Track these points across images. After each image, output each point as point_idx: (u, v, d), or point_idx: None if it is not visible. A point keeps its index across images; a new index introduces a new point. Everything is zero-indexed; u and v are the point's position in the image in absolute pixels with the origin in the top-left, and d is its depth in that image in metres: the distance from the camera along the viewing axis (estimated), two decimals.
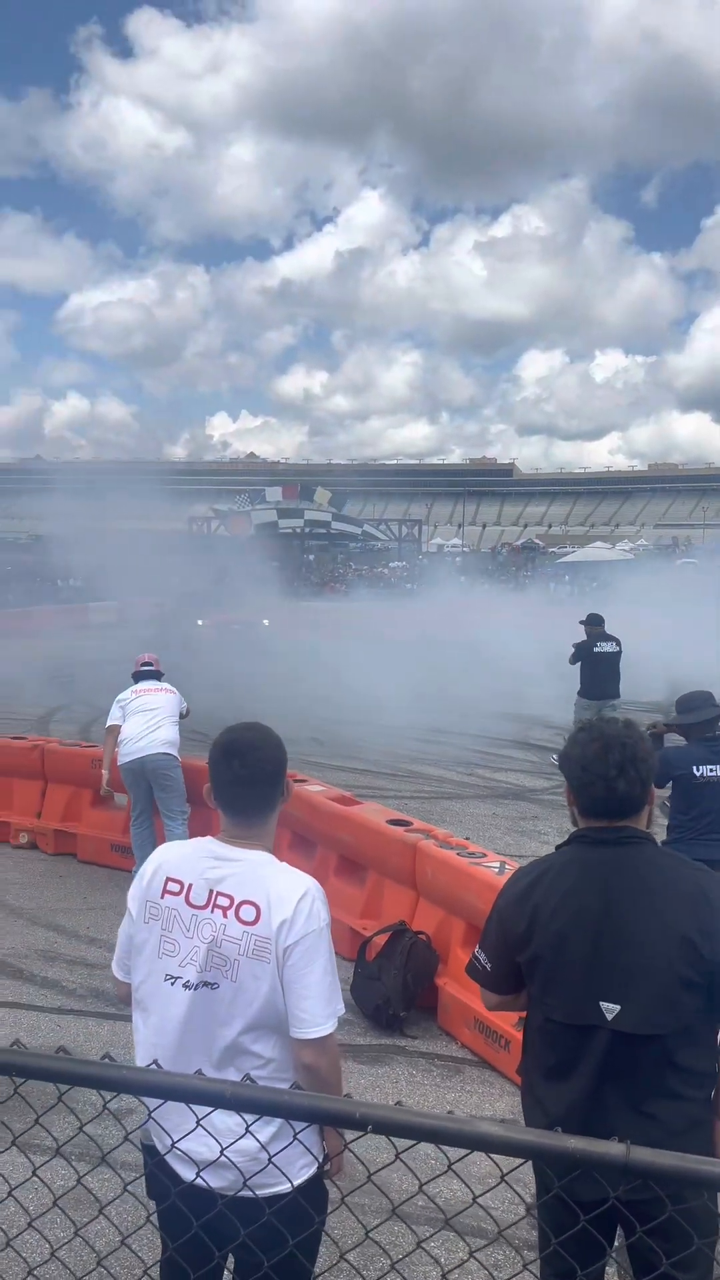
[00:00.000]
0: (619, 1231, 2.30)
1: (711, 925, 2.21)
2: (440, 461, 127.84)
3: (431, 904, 5.57)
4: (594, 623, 11.62)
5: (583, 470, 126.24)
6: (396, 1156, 1.67)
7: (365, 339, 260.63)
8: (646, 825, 2.43)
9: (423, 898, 5.68)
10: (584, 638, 11.59)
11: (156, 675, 7.59)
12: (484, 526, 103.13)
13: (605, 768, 2.32)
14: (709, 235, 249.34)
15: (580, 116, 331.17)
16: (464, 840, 5.99)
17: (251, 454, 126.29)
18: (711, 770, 5.21)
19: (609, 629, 11.60)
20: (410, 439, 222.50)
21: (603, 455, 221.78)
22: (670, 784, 5.32)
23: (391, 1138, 1.57)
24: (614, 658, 11.43)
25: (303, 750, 11.68)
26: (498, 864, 5.29)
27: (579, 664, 11.52)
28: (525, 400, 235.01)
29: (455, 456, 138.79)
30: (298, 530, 55.81)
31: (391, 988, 5.11)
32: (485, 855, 5.54)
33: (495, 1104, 4.48)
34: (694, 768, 5.24)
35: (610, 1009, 2.22)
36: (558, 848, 2.49)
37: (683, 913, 2.23)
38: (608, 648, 11.43)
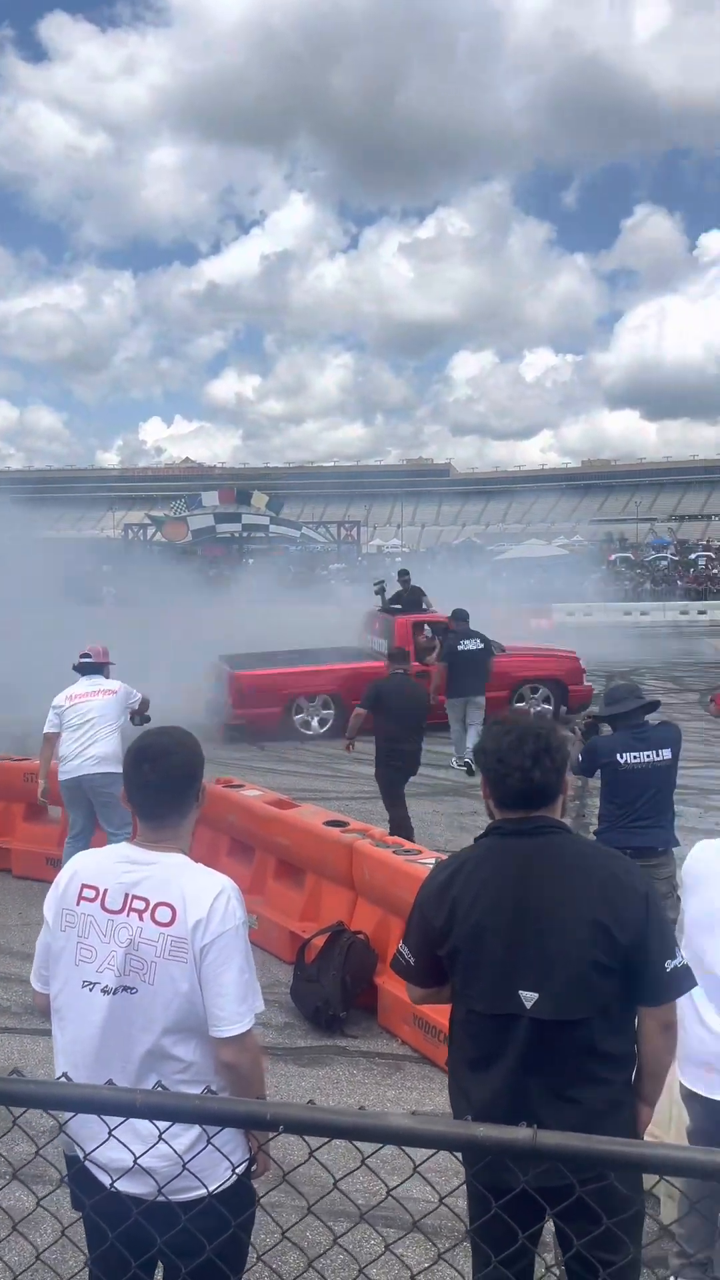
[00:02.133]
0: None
1: (624, 910, 2.25)
2: (377, 463, 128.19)
3: (370, 903, 5.58)
4: (458, 619, 11.50)
5: (517, 469, 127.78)
6: (310, 1155, 1.66)
7: (296, 342, 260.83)
8: (561, 814, 2.47)
9: (361, 898, 5.69)
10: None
11: (99, 669, 7.02)
12: (423, 527, 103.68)
13: (520, 759, 2.35)
14: (628, 236, 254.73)
15: (499, 119, 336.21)
16: (400, 839, 6.01)
17: (187, 459, 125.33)
18: (635, 757, 5.31)
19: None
20: (346, 441, 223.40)
21: (535, 453, 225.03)
22: (599, 773, 5.42)
23: (305, 1137, 1.57)
24: (476, 655, 11.23)
25: (243, 754, 11.62)
26: (433, 860, 5.32)
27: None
28: (458, 401, 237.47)
29: (392, 458, 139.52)
30: (236, 535, 55.56)
31: (330, 989, 5.10)
32: (421, 852, 5.57)
33: (435, 1098, 4.50)
34: (618, 755, 5.33)
35: (529, 997, 2.25)
36: (476, 840, 2.52)
37: (596, 899, 2.27)
38: (470, 645, 11.24)
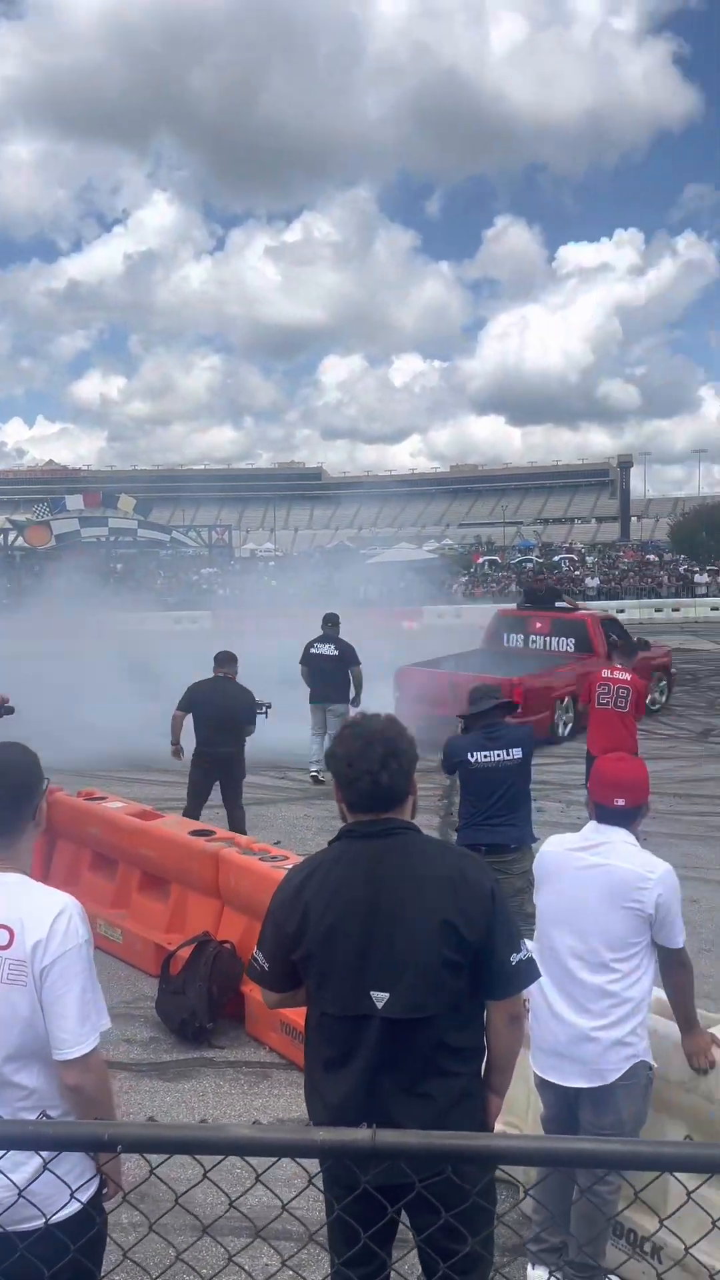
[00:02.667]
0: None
1: (470, 906, 2.31)
2: (249, 466, 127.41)
3: (236, 912, 5.54)
4: (326, 623, 11.15)
5: (388, 472, 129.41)
6: (151, 1173, 1.63)
7: (163, 343, 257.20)
8: (412, 815, 2.51)
9: (227, 906, 5.64)
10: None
11: None
12: (296, 530, 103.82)
13: (369, 762, 2.38)
14: (490, 246, 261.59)
15: (362, 126, 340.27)
16: (267, 845, 5.99)
17: (50, 461, 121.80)
18: (486, 756, 5.47)
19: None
20: (216, 444, 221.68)
21: (405, 457, 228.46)
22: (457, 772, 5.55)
23: (145, 1155, 1.54)
24: (327, 660, 10.76)
25: (112, 765, 11.35)
26: None
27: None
28: (328, 405, 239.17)
29: (264, 461, 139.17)
30: (102, 539, 54.24)
31: (196, 1000, 5.04)
32: (288, 858, 5.56)
33: (303, 1103, 4.49)
34: (469, 754, 5.49)
35: (380, 997, 2.28)
36: (330, 843, 2.53)
37: (444, 897, 2.31)
38: (322, 649, 10.84)
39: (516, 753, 5.49)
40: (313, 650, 10.91)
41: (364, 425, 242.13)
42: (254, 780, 11.24)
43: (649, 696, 9.44)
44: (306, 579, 44.57)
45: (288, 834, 8.74)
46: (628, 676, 8.30)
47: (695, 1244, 1.55)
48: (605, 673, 8.45)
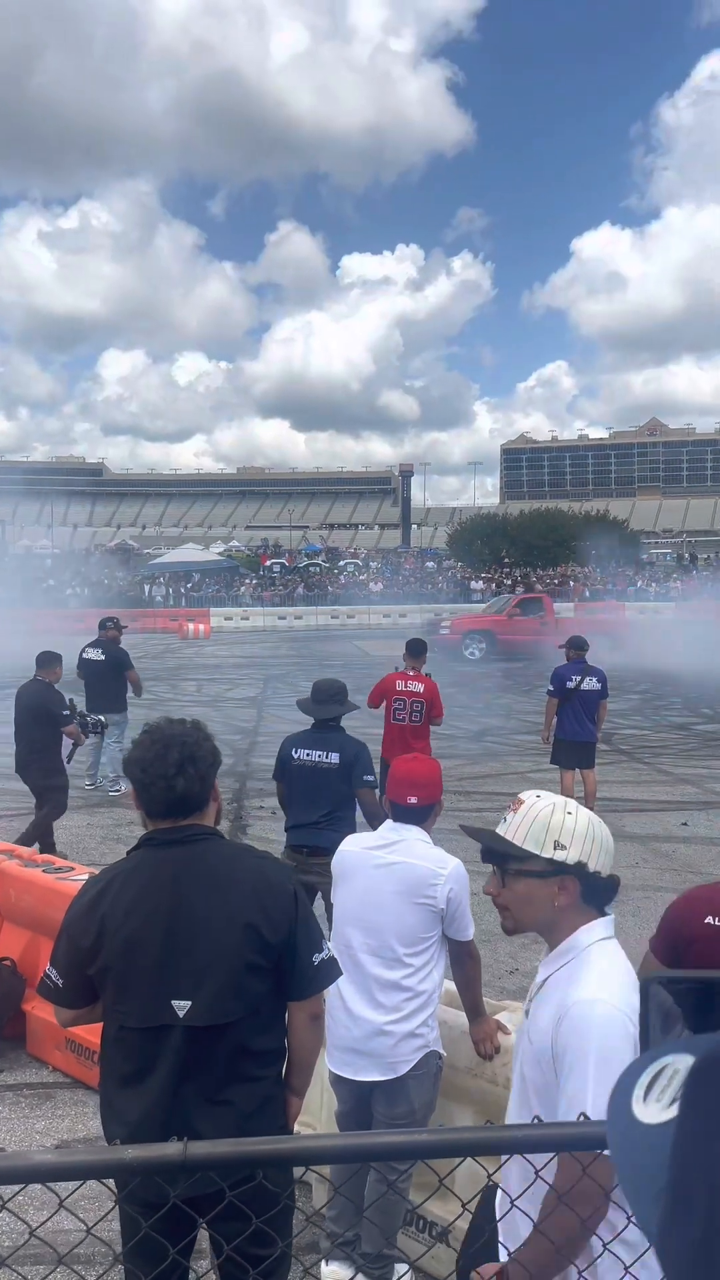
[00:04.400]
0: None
1: (272, 908, 2.31)
2: (24, 459, 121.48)
3: (17, 927, 5.27)
4: (103, 627, 10.85)
5: (173, 471, 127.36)
6: None
7: None
8: (215, 821, 2.48)
9: (7, 921, 5.35)
10: None
11: None
12: (75, 527, 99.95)
13: (164, 768, 2.33)
14: (273, 250, 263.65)
15: (141, 119, 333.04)
16: (50, 856, 5.74)
17: None
18: (307, 755, 5.42)
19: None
20: None
21: (189, 457, 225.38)
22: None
23: None
24: (95, 666, 10.44)
25: None
26: (85, 876, 5.13)
27: None
28: (108, 399, 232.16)
29: (39, 454, 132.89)
30: None
31: None
32: (74, 869, 5.35)
33: (89, 1123, 4.33)
34: (293, 751, 5.47)
35: (181, 1006, 2.24)
36: (128, 852, 2.46)
37: (246, 900, 2.30)
38: (92, 654, 10.50)
39: (334, 758, 5.36)
40: (84, 655, 10.54)
41: (146, 422, 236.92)
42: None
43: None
44: (87, 578, 43.12)
45: (71, 845, 8.41)
46: (421, 687, 8.28)
47: (493, 1225, 1.62)
48: (399, 683, 8.34)
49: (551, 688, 9.53)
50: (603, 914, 1.98)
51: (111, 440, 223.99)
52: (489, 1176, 1.55)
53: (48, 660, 7.94)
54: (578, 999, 1.82)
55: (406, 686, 8.30)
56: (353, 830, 5.40)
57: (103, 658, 10.42)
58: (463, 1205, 1.53)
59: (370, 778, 5.45)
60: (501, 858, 1.98)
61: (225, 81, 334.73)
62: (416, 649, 8.68)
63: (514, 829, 1.97)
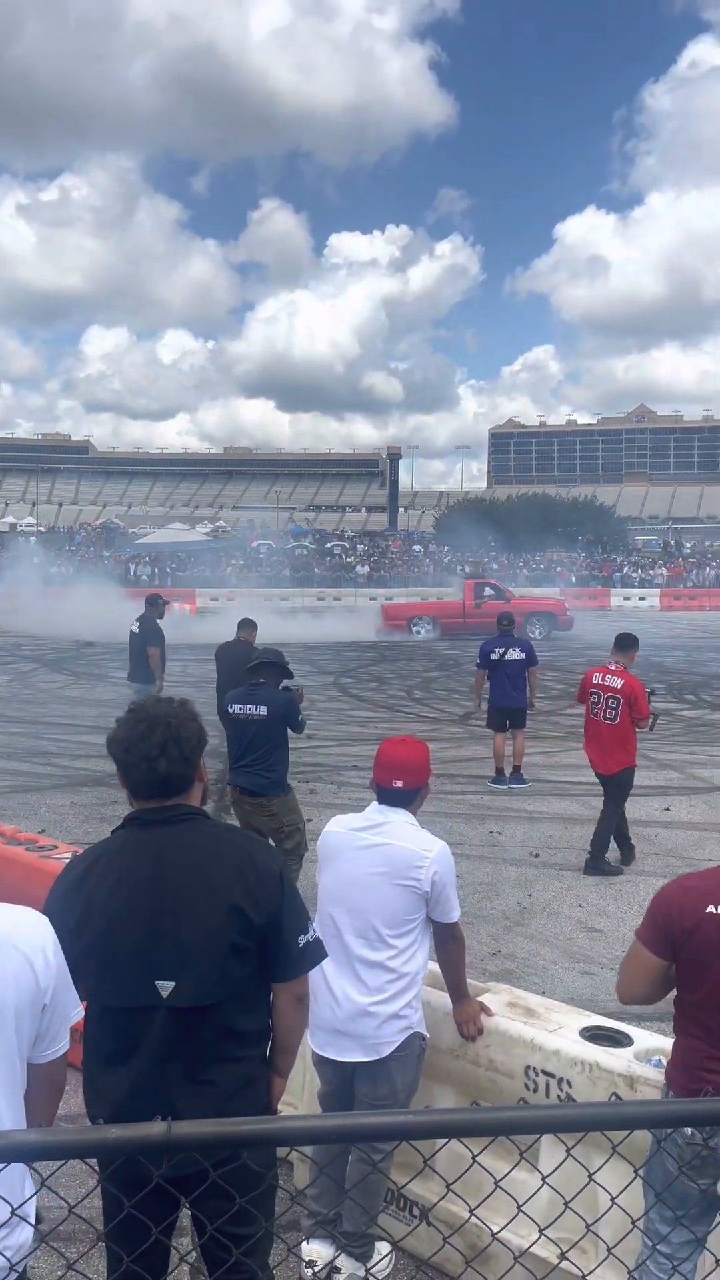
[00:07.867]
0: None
1: (258, 889, 2.30)
2: (9, 436, 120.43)
3: None
4: (145, 604, 11.61)
5: (160, 450, 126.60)
6: None
7: None
8: (201, 802, 2.46)
9: None
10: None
11: None
12: (60, 505, 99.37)
13: (147, 748, 2.31)
14: (255, 229, 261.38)
15: (122, 92, 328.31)
16: (35, 834, 5.72)
17: None
18: (241, 708, 6.36)
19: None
20: None
21: (172, 436, 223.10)
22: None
23: None
24: (133, 639, 11.34)
25: None
26: (69, 855, 5.12)
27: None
28: (91, 376, 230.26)
29: (23, 431, 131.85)
30: None
31: None
32: (57, 847, 5.34)
33: (72, 1100, 4.33)
34: (230, 705, 6.44)
35: (165, 986, 2.23)
36: (113, 832, 2.45)
37: (231, 882, 2.29)
38: (133, 628, 11.41)
39: (262, 710, 6.27)
40: (132, 629, 11.46)
41: (129, 400, 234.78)
42: (17, 767, 10.75)
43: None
44: (74, 556, 42.86)
45: (53, 823, 8.40)
46: (619, 683, 7.47)
47: (478, 1207, 1.63)
48: (597, 676, 7.64)
49: (479, 660, 10.50)
50: None
51: (94, 418, 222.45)
52: (474, 1158, 1.55)
53: (246, 624, 9.75)
54: None
55: (604, 680, 7.55)
56: (285, 770, 6.44)
57: (138, 631, 11.35)
58: (446, 1186, 1.53)
59: (301, 718, 6.55)
60: None
61: (206, 55, 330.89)
62: (624, 643, 7.80)
63: None
